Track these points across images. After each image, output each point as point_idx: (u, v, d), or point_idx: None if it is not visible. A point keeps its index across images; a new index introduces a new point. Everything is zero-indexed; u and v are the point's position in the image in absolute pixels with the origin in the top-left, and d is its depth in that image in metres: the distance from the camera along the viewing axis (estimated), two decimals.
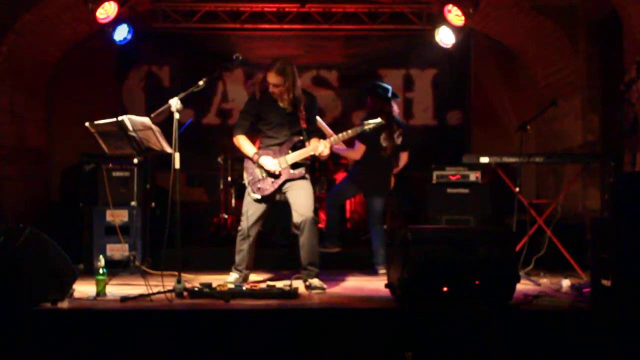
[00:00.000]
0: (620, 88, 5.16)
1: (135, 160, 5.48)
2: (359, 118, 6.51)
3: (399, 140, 6.09)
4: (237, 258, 5.15)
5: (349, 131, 5.12)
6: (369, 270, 6.07)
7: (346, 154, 6.25)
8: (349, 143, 6.18)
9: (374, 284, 5.23)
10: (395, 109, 6.14)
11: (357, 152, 6.03)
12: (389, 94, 6.01)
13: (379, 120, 5.16)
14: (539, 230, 5.71)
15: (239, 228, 5.16)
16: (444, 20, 7.26)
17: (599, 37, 7.13)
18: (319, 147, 4.97)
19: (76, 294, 4.50)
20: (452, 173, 6.47)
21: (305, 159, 5.09)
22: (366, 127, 5.15)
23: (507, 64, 8.41)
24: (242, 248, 5.12)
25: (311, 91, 5.44)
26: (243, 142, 5.10)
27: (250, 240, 5.10)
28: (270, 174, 5.00)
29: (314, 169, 7.24)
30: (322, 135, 5.38)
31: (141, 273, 5.13)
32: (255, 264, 5.31)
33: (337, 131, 5.41)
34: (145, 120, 4.91)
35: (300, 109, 5.04)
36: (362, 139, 5.94)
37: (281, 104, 5.01)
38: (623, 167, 5.88)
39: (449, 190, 6.45)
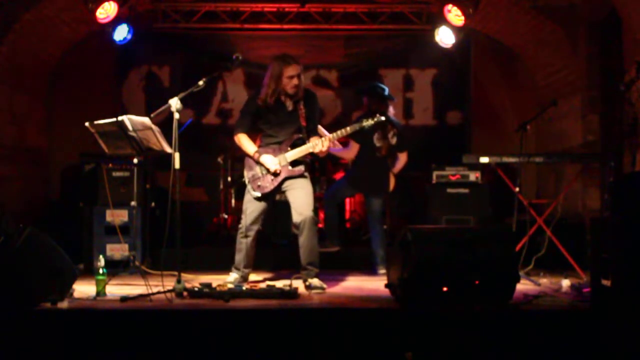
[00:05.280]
0: (620, 88, 5.14)
1: (135, 160, 5.46)
2: None
3: (393, 141, 6.09)
4: (237, 257, 5.14)
5: (347, 129, 5.10)
6: (369, 270, 6.08)
7: (340, 154, 6.25)
8: (344, 143, 6.19)
9: (374, 284, 5.23)
10: (391, 109, 6.15)
11: (351, 151, 6.04)
12: (385, 94, 6.03)
13: (376, 118, 5.15)
14: (539, 230, 5.71)
15: (239, 226, 5.16)
16: (443, 20, 7.27)
17: (599, 37, 7.12)
18: (317, 145, 4.97)
19: (76, 294, 4.49)
20: (452, 173, 6.47)
21: (305, 156, 5.09)
22: (364, 124, 5.13)
23: (507, 64, 8.41)
24: (242, 247, 5.12)
25: (311, 89, 5.44)
26: (244, 141, 5.11)
27: (250, 239, 5.10)
28: (271, 172, 5.01)
29: (314, 168, 7.24)
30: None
31: (141, 273, 5.13)
32: (255, 264, 5.30)
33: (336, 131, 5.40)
34: (145, 120, 4.91)
35: (300, 106, 5.06)
36: (356, 139, 5.94)
37: (284, 101, 5.01)
38: (623, 167, 5.88)
39: (449, 190, 6.45)
